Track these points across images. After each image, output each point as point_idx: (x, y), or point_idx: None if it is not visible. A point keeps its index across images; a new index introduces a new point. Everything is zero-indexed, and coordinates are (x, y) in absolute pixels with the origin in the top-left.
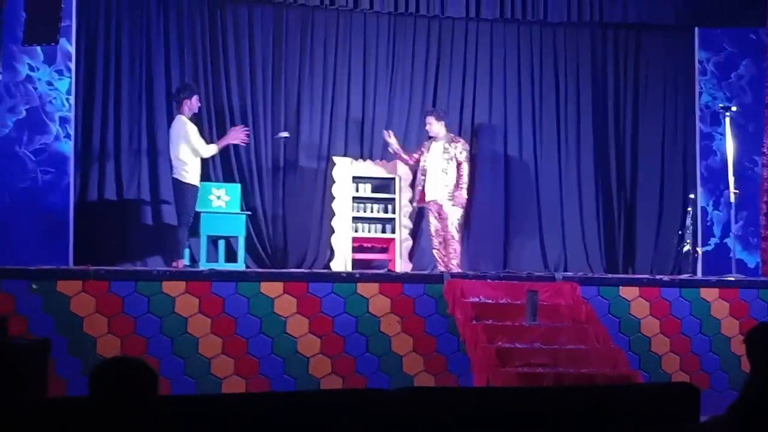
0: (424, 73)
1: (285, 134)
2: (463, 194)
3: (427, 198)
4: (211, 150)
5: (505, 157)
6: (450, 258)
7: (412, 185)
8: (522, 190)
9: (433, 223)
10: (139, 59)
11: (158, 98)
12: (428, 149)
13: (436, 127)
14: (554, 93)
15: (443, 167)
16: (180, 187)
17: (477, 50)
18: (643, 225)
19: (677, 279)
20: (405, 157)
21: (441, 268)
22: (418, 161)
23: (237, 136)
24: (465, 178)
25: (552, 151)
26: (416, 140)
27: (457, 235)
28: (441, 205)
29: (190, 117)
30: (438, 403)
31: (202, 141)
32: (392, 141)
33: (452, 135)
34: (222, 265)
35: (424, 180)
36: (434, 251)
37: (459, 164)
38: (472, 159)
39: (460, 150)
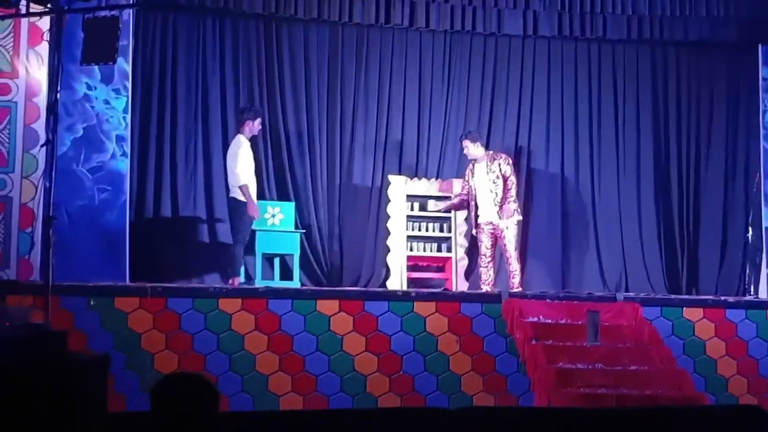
0: (480, 90)
1: (432, 203)
2: (511, 206)
3: (481, 220)
4: (241, 180)
5: (561, 176)
6: (511, 277)
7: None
8: (579, 209)
9: (485, 242)
10: (195, 78)
11: (213, 117)
12: (472, 173)
13: (473, 149)
14: (613, 110)
15: (490, 187)
16: (236, 206)
17: (534, 68)
18: (706, 245)
19: (743, 300)
20: (456, 201)
21: (484, 287)
22: (467, 194)
23: (254, 213)
24: (512, 191)
25: (610, 169)
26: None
27: (515, 254)
28: (496, 225)
29: (250, 139)
30: (500, 423)
31: (242, 173)
32: (443, 203)
33: (491, 152)
34: (277, 283)
35: (476, 205)
36: (481, 270)
37: (505, 179)
38: (528, 177)
39: (503, 165)
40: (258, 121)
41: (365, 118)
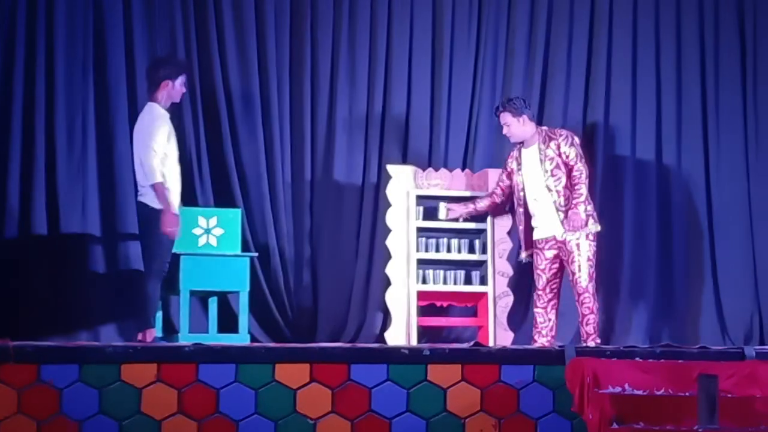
0: (526, 43)
1: (443, 210)
2: (581, 211)
3: (537, 235)
4: (154, 177)
5: (657, 168)
6: (585, 322)
7: (512, 207)
8: (686, 218)
9: (543, 269)
10: (83, 14)
11: (115, 76)
12: (519, 163)
13: (516, 126)
14: (740, 74)
15: (548, 182)
16: (149, 216)
17: (612, 13)
18: None
19: None
20: (485, 204)
21: (540, 339)
22: (509, 189)
23: (168, 224)
24: (582, 188)
25: (735, 159)
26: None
27: (591, 286)
28: (562, 242)
29: (170, 109)
30: None
31: (157, 159)
32: (456, 211)
33: (545, 129)
34: (215, 338)
35: (525, 212)
36: (536, 313)
37: (569, 168)
38: (605, 170)
39: (564, 146)
40: (181, 80)
41: (351, 80)
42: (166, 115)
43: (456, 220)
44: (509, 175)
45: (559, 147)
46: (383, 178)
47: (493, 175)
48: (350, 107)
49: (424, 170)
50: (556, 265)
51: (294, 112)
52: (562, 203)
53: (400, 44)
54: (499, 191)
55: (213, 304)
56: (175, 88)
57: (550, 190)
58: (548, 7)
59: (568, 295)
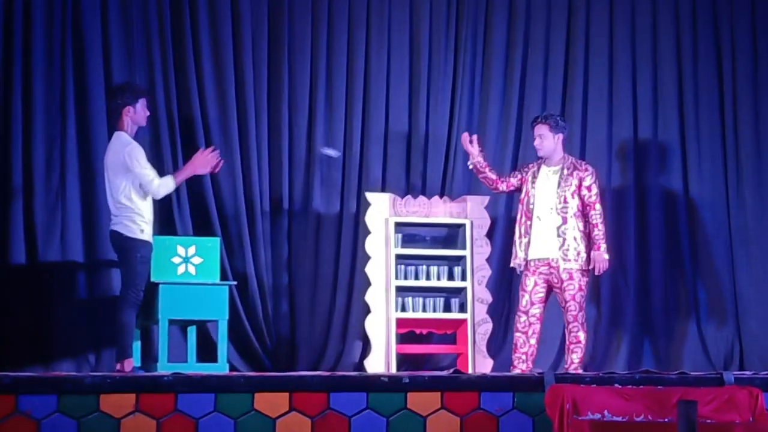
0: (502, 56)
1: (332, 152)
2: (604, 253)
3: (533, 254)
4: (166, 185)
5: (636, 190)
6: (572, 350)
7: (491, 234)
8: (665, 242)
9: (530, 291)
10: (61, 39)
11: (95, 106)
12: (534, 177)
13: (550, 142)
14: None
15: (557, 206)
16: (124, 244)
17: (613, 19)
18: None
19: None
20: (491, 175)
21: (520, 365)
22: (513, 188)
23: (205, 161)
24: (602, 227)
25: (716, 188)
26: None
27: (581, 316)
28: (556, 268)
29: (135, 134)
30: None
31: (151, 170)
32: (474, 149)
33: (574, 158)
34: (194, 368)
35: (531, 225)
36: (517, 338)
37: (587, 205)
38: None
39: (588, 182)
40: (142, 103)
41: (328, 101)
42: (135, 143)
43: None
44: (521, 180)
45: (582, 180)
46: (362, 205)
47: (473, 201)
48: (328, 135)
49: (402, 197)
50: (544, 290)
51: (272, 140)
52: (565, 231)
53: (377, 71)
54: (506, 181)
55: (192, 333)
56: (138, 112)
57: (558, 213)
58: (524, 33)
59: (549, 323)
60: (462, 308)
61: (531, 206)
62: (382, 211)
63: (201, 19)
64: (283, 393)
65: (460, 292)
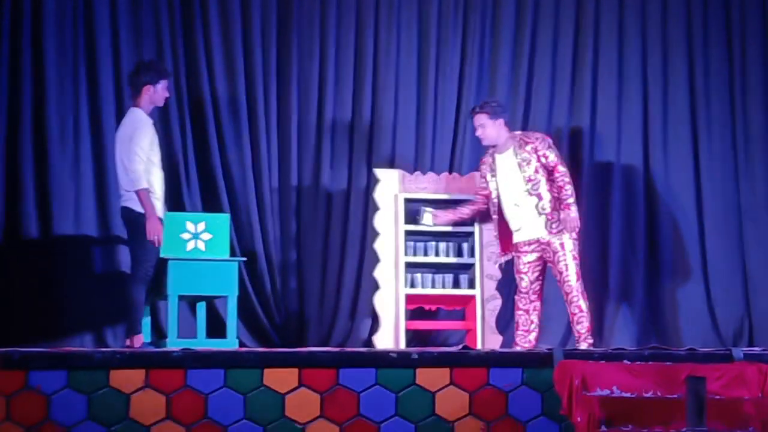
0: (511, 43)
1: (428, 216)
2: (573, 212)
3: (518, 238)
4: (138, 182)
5: (645, 170)
6: (577, 321)
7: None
8: (674, 219)
9: (525, 273)
10: (73, 20)
11: (104, 82)
12: (492, 170)
13: (491, 129)
14: (727, 69)
15: (525, 187)
16: (134, 220)
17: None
18: None
19: None
20: (470, 210)
21: (523, 343)
22: (488, 197)
23: (153, 230)
24: (568, 187)
25: (723, 158)
26: None
27: (579, 285)
28: (547, 243)
29: (152, 112)
30: None
31: (144, 158)
32: (441, 218)
33: (519, 133)
34: (203, 343)
35: (500, 217)
36: (518, 315)
37: (550, 170)
38: (592, 173)
39: (541, 149)
40: (163, 84)
41: (337, 84)
42: (149, 121)
43: (444, 224)
44: (484, 181)
45: (536, 150)
46: (371, 181)
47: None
48: (337, 111)
49: (411, 173)
50: (539, 267)
51: (281, 116)
52: (545, 206)
53: (386, 48)
54: (480, 198)
55: (201, 309)
56: (157, 92)
57: (530, 194)
58: (533, 12)
59: (555, 299)
60: (471, 284)
61: (496, 199)
62: (391, 188)
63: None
64: (292, 369)
65: (469, 268)
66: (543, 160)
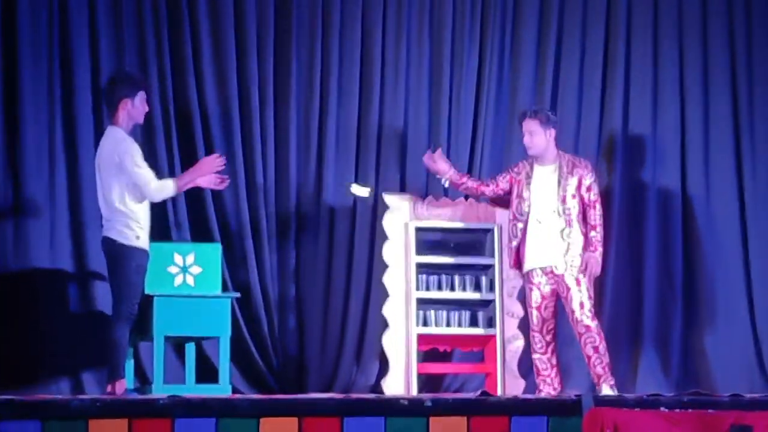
0: (534, 53)
1: (364, 191)
2: (598, 256)
3: (530, 263)
4: (165, 189)
5: (682, 191)
6: (593, 364)
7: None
8: (716, 247)
9: (539, 309)
10: (48, 28)
11: (82, 104)
12: (528, 177)
13: (541, 138)
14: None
15: (557, 208)
16: (117, 252)
17: (631, 26)
18: None
19: None
20: (473, 183)
21: (545, 389)
22: (502, 192)
23: (211, 168)
24: (600, 230)
25: None
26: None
27: (596, 324)
28: (559, 277)
29: (131, 130)
30: None
31: (148, 171)
32: (438, 164)
33: (572, 156)
34: (192, 389)
35: (523, 229)
36: (536, 358)
37: (587, 205)
38: (617, 198)
39: (587, 180)
40: (141, 97)
41: (342, 98)
42: (130, 140)
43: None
44: (511, 182)
45: (582, 178)
46: (379, 208)
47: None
48: (341, 130)
49: (423, 199)
50: (553, 302)
51: (278, 134)
52: (570, 235)
53: (395, 59)
54: (493, 183)
55: (190, 350)
56: (136, 107)
57: (559, 215)
58: (558, 23)
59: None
60: (490, 323)
61: (526, 209)
62: (401, 215)
63: (200, 1)
64: (291, 418)
65: (487, 304)
66: (585, 192)
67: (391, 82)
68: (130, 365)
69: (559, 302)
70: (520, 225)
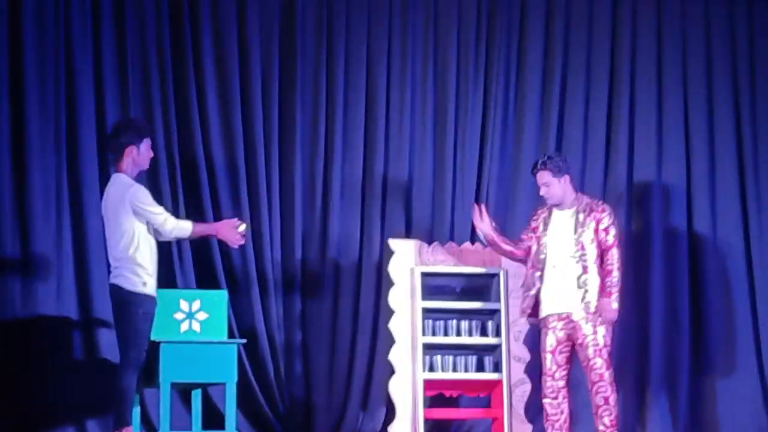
0: (539, 86)
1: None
2: (614, 302)
3: (547, 309)
4: (182, 229)
5: (689, 230)
6: (600, 414)
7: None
8: (723, 291)
9: (552, 353)
10: (54, 72)
11: (87, 151)
12: (545, 224)
13: (556, 188)
14: None
15: (574, 253)
16: (124, 299)
17: (635, 73)
18: None
19: None
20: (507, 247)
21: None
22: (528, 250)
23: (231, 233)
24: (616, 274)
25: None
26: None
27: (609, 374)
28: (576, 323)
29: (137, 177)
30: None
31: (160, 209)
32: (484, 223)
33: (588, 198)
34: None
35: (540, 276)
36: (546, 403)
37: (605, 249)
38: (627, 238)
39: (605, 223)
40: (147, 144)
41: (345, 144)
42: (137, 183)
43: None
44: (532, 235)
45: (599, 221)
46: (384, 253)
47: (506, 249)
48: (346, 175)
49: (429, 244)
50: (568, 348)
51: (283, 181)
52: (587, 282)
53: (399, 104)
54: (522, 245)
55: (197, 397)
56: (141, 153)
57: (576, 261)
58: (562, 63)
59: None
60: (497, 367)
61: (543, 255)
62: (406, 260)
63: (205, 50)
64: None
65: (494, 349)
66: (602, 234)
67: (396, 129)
68: (136, 412)
69: (573, 348)
70: (538, 273)
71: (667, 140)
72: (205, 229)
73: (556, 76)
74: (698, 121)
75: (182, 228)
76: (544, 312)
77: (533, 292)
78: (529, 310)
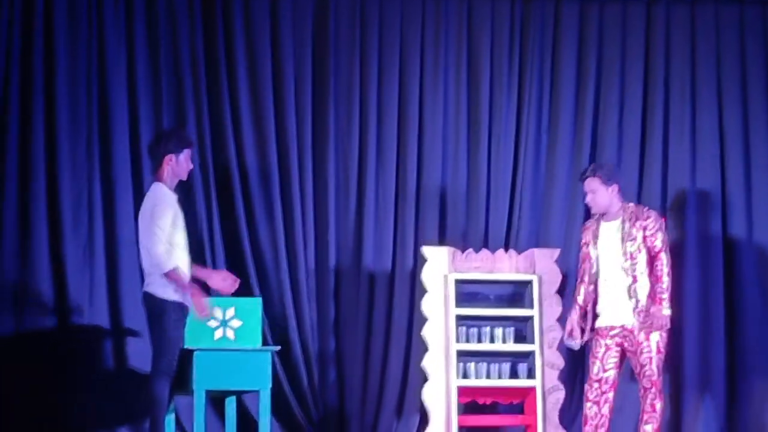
0: (572, 95)
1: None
2: (665, 309)
3: (602, 321)
4: (167, 262)
5: (724, 240)
6: (646, 420)
7: (562, 291)
8: (758, 295)
9: (601, 360)
10: (86, 80)
11: (121, 159)
12: (594, 237)
13: (603, 196)
14: None
15: (624, 265)
16: (157, 307)
17: (669, 42)
18: None
19: None
20: (586, 300)
21: None
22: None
23: (222, 283)
24: (666, 279)
25: None
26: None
27: (659, 382)
28: (631, 331)
29: (176, 187)
30: None
31: (164, 236)
32: (576, 341)
33: (634, 205)
34: None
35: (594, 292)
36: (587, 409)
37: (654, 255)
38: None
39: (651, 229)
40: (186, 154)
41: (379, 151)
42: (173, 197)
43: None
44: (587, 250)
45: (645, 228)
46: (418, 260)
47: (541, 255)
48: (379, 183)
49: (463, 251)
50: (618, 355)
51: (317, 189)
52: (638, 291)
53: (432, 112)
54: (587, 277)
55: (231, 404)
56: (180, 163)
57: (626, 273)
58: (596, 72)
59: (626, 389)
60: (530, 374)
61: (596, 269)
62: (440, 267)
63: (238, 60)
64: None
65: (527, 356)
66: (649, 241)
67: (429, 136)
68: (170, 420)
69: (622, 356)
70: (591, 287)
71: (701, 145)
72: (180, 283)
73: (590, 82)
74: (733, 125)
75: (163, 263)
76: (598, 323)
77: (588, 307)
78: (577, 329)
